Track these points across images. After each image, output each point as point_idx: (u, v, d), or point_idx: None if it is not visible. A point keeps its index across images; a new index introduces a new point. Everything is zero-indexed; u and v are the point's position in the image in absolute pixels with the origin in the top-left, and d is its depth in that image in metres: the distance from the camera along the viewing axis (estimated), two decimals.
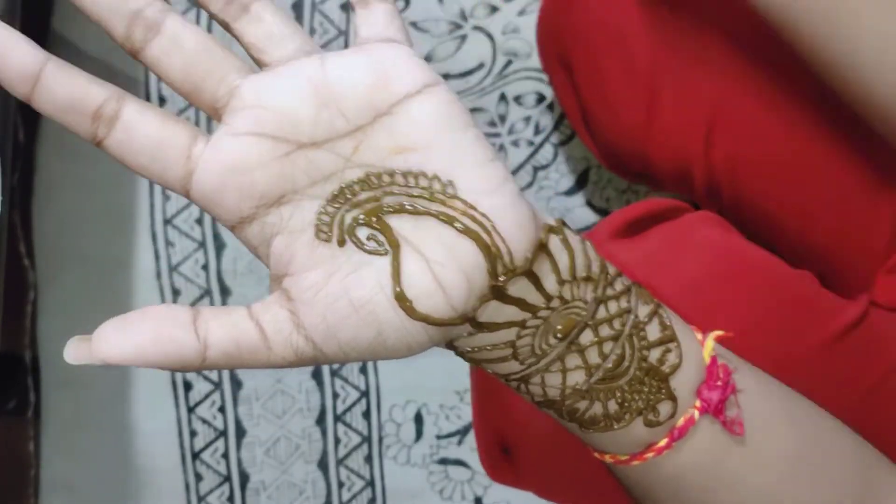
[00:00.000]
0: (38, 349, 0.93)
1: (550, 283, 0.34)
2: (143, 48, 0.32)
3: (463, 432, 0.95)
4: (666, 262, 0.50)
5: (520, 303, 0.34)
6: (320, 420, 0.95)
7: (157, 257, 0.94)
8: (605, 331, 0.35)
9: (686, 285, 0.46)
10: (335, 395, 0.95)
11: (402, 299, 0.32)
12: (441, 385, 0.94)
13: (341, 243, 0.33)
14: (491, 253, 0.32)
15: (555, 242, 0.34)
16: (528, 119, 0.94)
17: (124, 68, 0.91)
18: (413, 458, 0.96)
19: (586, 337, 0.35)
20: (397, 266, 0.32)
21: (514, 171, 0.94)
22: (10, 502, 0.92)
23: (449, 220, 0.32)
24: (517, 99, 0.94)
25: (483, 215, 0.32)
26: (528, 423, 0.57)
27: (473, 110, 0.93)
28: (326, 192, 0.33)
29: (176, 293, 0.94)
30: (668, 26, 0.61)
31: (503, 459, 0.61)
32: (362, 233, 0.33)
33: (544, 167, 0.94)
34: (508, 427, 0.58)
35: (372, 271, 0.33)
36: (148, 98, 0.93)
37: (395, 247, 0.33)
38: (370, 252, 0.33)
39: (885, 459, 0.42)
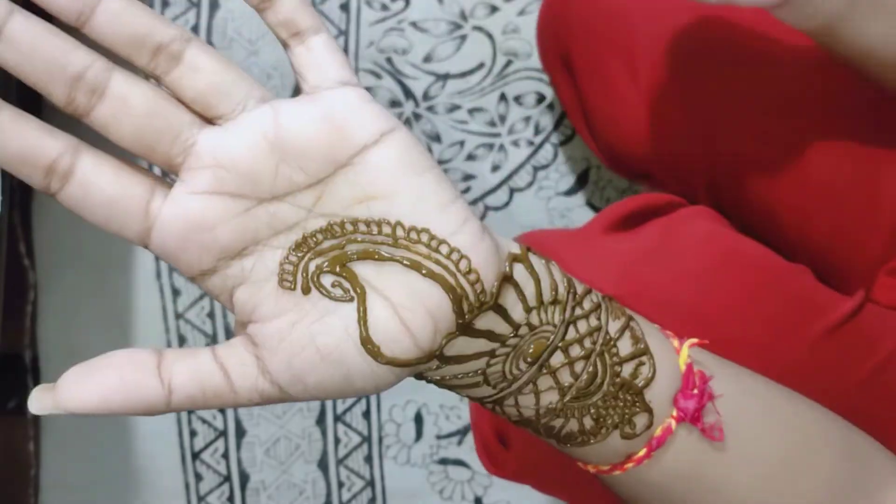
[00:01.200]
0: (38, 349, 0.93)
1: (517, 312, 0.34)
2: (89, 113, 0.31)
3: (463, 432, 0.95)
4: (661, 255, 0.50)
5: (488, 334, 0.34)
6: (320, 420, 0.95)
7: (157, 257, 0.93)
8: (575, 350, 0.35)
9: (681, 277, 0.46)
10: None
11: (369, 344, 0.32)
12: None
13: (306, 291, 0.32)
14: (456, 293, 0.32)
15: (519, 271, 0.34)
16: (528, 119, 0.94)
17: None
18: (413, 458, 0.95)
19: (557, 358, 0.35)
20: (364, 312, 0.32)
21: (514, 171, 0.94)
22: (10, 502, 0.92)
23: (415, 267, 0.32)
24: (517, 99, 0.94)
25: (447, 256, 0.32)
26: None
27: (473, 110, 0.93)
28: (289, 241, 0.32)
29: (176, 293, 0.94)
30: (671, 21, 0.61)
31: (500, 452, 0.61)
32: (326, 280, 0.32)
33: (544, 167, 0.94)
34: (505, 420, 0.58)
35: (337, 318, 0.32)
36: None
37: (360, 293, 0.32)
38: (336, 299, 0.32)
39: (878, 446, 0.42)
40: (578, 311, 0.35)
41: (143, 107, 0.31)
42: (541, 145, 0.94)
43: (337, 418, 0.95)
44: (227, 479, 0.95)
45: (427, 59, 0.93)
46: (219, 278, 0.32)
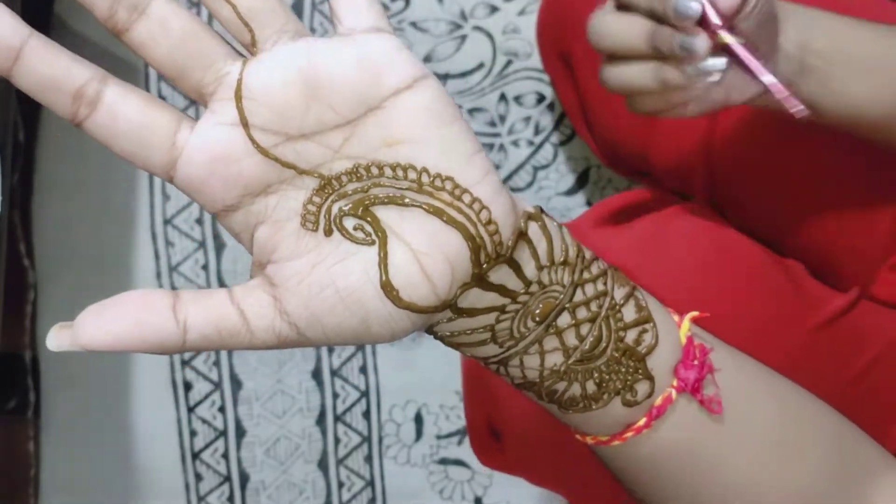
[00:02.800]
0: (38, 349, 0.93)
1: (530, 269, 0.35)
2: (128, 29, 0.31)
3: (463, 432, 0.95)
4: (653, 249, 0.51)
5: (500, 289, 0.34)
6: (320, 420, 0.95)
7: (157, 257, 0.94)
8: (582, 313, 0.36)
9: (673, 271, 0.46)
10: (335, 395, 0.95)
11: (388, 288, 0.33)
12: (441, 385, 0.94)
13: (328, 233, 0.33)
14: (475, 242, 0.33)
15: (534, 229, 0.35)
16: (528, 119, 0.94)
17: (125, 56, 0.91)
18: (413, 458, 0.96)
19: (564, 319, 0.35)
20: (385, 256, 0.33)
21: (514, 171, 0.94)
22: (10, 502, 0.92)
23: (437, 213, 0.33)
24: (517, 99, 0.94)
25: (469, 206, 0.33)
26: (516, 408, 0.57)
27: (473, 110, 0.93)
28: (314, 181, 0.33)
29: None
30: None
31: (492, 444, 0.61)
32: (349, 223, 0.33)
33: (544, 167, 0.94)
34: (497, 411, 0.58)
35: (358, 261, 0.33)
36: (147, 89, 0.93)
37: (382, 236, 0.33)
38: (357, 242, 0.33)
39: (864, 435, 0.42)
40: (586, 275, 0.36)
41: (182, 30, 0.31)
42: (541, 145, 0.94)
43: (337, 418, 0.95)
44: (227, 479, 0.95)
45: (427, 58, 0.93)
46: (242, 215, 0.33)
